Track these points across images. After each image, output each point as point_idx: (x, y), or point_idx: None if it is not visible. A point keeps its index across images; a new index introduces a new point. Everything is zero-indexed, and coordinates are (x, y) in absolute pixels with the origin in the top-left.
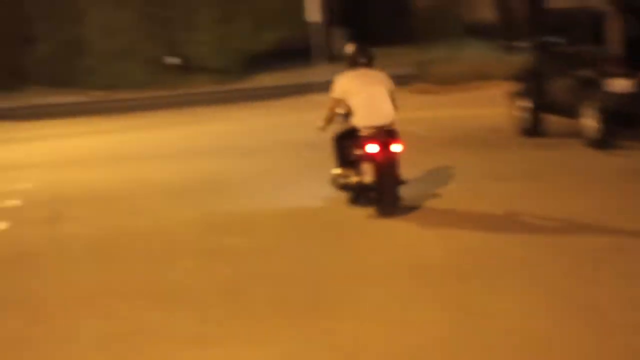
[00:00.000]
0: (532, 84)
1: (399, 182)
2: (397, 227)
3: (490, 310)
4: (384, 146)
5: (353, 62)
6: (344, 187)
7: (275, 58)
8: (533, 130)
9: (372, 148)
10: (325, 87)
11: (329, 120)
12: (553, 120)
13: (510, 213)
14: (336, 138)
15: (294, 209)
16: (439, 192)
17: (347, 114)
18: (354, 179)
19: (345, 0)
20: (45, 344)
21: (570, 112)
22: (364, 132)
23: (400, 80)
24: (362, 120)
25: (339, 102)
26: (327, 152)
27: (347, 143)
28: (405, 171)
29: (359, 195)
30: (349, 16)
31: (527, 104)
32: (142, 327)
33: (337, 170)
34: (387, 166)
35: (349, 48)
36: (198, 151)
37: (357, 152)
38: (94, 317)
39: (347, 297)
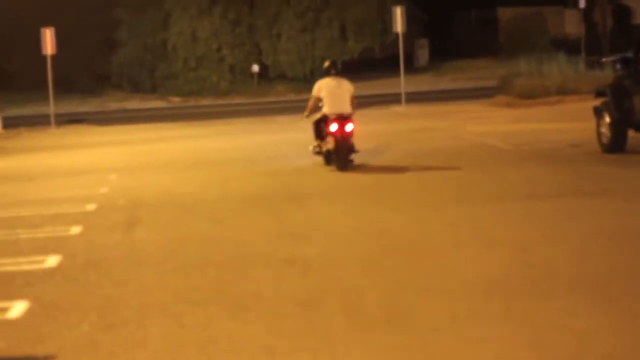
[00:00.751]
0: (616, 99)
1: (352, 150)
2: (347, 177)
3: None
4: (341, 126)
5: (327, 73)
6: (318, 153)
7: (358, 68)
8: (615, 146)
9: (333, 127)
10: (407, 98)
11: (311, 110)
12: (636, 137)
13: (583, 229)
14: (314, 122)
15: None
16: (519, 205)
17: (321, 106)
18: (324, 148)
19: (430, 12)
20: (115, 349)
21: None
22: (330, 117)
23: (483, 93)
24: (329, 109)
25: (317, 98)
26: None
27: (321, 125)
28: (484, 184)
29: (328, 158)
30: (433, 28)
31: (610, 119)
32: (214, 336)
33: (314, 143)
34: (342, 139)
35: (326, 63)
36: (276, 159)
37: (326, 130)
38: (165, 324)
39: (416, 308)
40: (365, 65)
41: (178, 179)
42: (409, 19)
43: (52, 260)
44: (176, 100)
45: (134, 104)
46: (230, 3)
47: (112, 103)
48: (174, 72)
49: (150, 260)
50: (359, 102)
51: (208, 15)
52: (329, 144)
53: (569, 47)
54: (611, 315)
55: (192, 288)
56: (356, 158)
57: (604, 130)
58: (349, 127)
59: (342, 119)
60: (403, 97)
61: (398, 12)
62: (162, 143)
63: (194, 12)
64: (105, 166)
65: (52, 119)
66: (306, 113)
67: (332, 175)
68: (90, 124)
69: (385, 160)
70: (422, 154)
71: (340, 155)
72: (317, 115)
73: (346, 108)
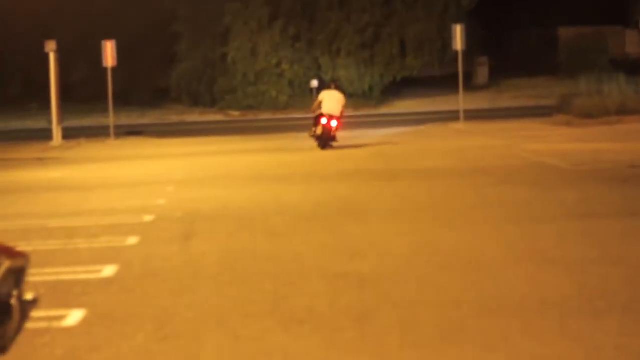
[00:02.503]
0: None
1: (333, 138)
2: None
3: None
4: (329, 121)
5: (328, 87)
6: (313, 136)
7: (416, 85)
8: None
9: (323, 120)
10: (465, 115)
11: (315, 109)
12: None
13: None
14: (315, 116)
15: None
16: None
17: (321, 107)
18: (317, 132)
19: (490, 30)
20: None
21: None
22: (324, 114)
23: (542, 112)
24: (324, 110)
25: (320, 102)
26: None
27: (318, 118)
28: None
29: (318, 140)
30: (493, 46)
31: None
32: (269, 349)
33: (312, 129)
34: (326, 129)
35: (328, 81)
36: (332, 174)
37: (319, 121)
38: (220, 336)
39: (471, 326)
40: (425, 82)
41: (235, 192)
42: (469, 36)
43: (109, 270)
44: (235, 114)
45: (193, 117)
46: (291, 18)
47: (172, 116)
48: (233, 86)
49: (207, 273)
50: (420, 118)
51: (268, 30)
52: (319, 130)
53: (629, 67)
54: None
55: (247, 301)
56: (410, 176)
57: None
58: (333, 123)
59: (330, 117)
60: (462, 115)
61: (458, 30)
62: (220, 156)
63: (254, 27)
64: (162, 178)
65: (112, 131)
66: (312, 109)
67: (386, 190)
68: (149, 136)
69: (442, 178)
70: (480, 171)
71: (322, 139)
72: (318, 112)
73: (335, 111)
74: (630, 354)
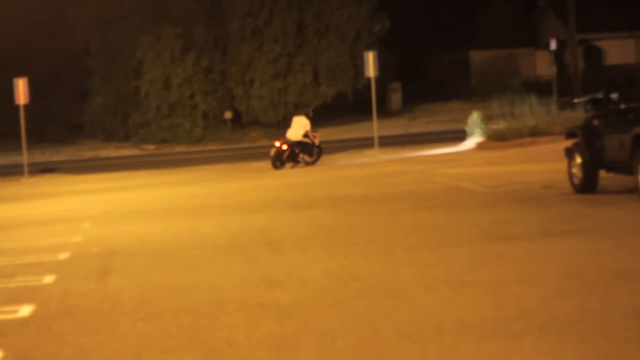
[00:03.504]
0: (587, 140)
1: (292, 159)
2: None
3: None
4: (281, 145)
5: (297, 113)
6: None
7: (330, 113)
8: (587, 186)
9: (277, 143)
10: (380, 142)
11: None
12: (608, 177)
13: (556, 269)
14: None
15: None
16: (491, 247)
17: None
18: (270, 154)
19: (402, 56)
20: None
21: (625, 168)
22: (282, 139)
23: (456, 136)
24: (287, 134)
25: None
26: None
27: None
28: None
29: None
30: (406, 72)
31: (582, 160)
32: None
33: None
34: (278, 152)
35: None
36: (248, 205)
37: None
38: None
39: (389, 351)
40: (339, 110)
41: (151, 226)
42: (381, 63)
43: (25, 310)
44: (150, 147)
45: (108, 152)
46: (203, 50)
47: (86, 152)
48: (147, 119)
49: (124, 308)
50: (334, 146)
51: (181, 63)
52: (272, 152)
53: (541, 88)
54: (582, 355)
55: (165, 335)
56: (325, 204)
57: (576, 171)
58: (284, 147)
59: (284, 142)
60: (376, 141)
61: (370, 57)
62: (135, 191)
63: (167, 59)
64: (78, 215)
65: (25, 169)
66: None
67: (302, 219)
68: (64, 173)
69: (358, 205)
70: (395, 197)
71: (273, 159)
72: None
73: (293, 136)
74: None
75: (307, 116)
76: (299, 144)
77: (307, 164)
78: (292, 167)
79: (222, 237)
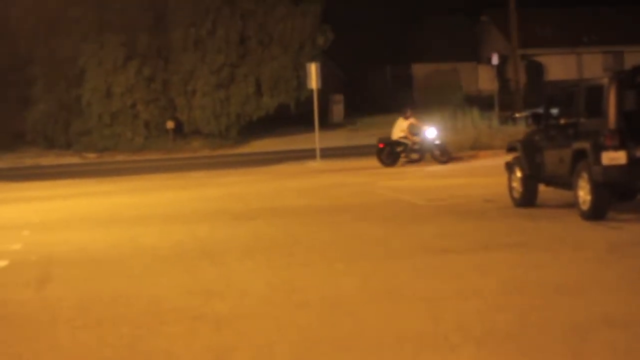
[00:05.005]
0: (527, 155)
1: (390, 159)
2: (264, 233)
3: None
4: (381, 145)
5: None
6: None
7: (273, 124)
8: (526, 200)
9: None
10: (321, 153)
11: None
12: (548, 191)
13: (495, 283)
14: None
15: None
16: (431, 260)
17: None
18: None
19: (345, 69)
20: None
21: (565, 183)
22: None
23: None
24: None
25: None
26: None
27: None
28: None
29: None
30: (349, 84)
31: (521, 174)
32: None
33: None
34: (379, 150)
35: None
36: (188, 215)
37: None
38: None
39: None
40: (281, 121)
41: (92, 235)
42: (324, 75)
43: None
44: (91, 156)
45: (49, 160)
46: (146, 59)
47: (27, 159)
48: (88, 128)
49: (63, 317)
50: (276, 157)
51: (123, 71)
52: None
53: (482, 102)
54: None
55: (104, 345)
56: (267, 215)
57: (516, 184)
58: (380, 146)
59: (382, 141)
60: (318, 153)
61: (313, 69)
62: (76, 199)
63: (109, 68)
64: (18, 222)
65: None
66: None
67: (243, 230)
68: (4, 181)
69: (299, 216)
70: (336, 209)
71: (379, 158)
72: None
73: (394, 136)
74: None
75: (405, 116)
76: (395, 143)
77: (412, 161)
78: (402, 165)
79: (162, 247)
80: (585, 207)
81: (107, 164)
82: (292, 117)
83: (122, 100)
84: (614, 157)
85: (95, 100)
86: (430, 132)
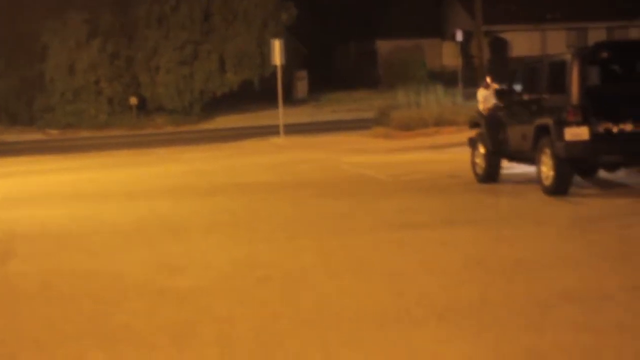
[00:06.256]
0: (490, 131)
1: None
2: (224, 207)
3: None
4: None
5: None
6: None
7: (237, 100)
8: (489, 176)
9: None
10: (285, 129)
11: None
12: (511, 167)
13: (457, 258)
14: None
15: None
16: (394, 235)
17: None
18: None
19: (309, 45)
20: None
21: (527, 159)
22: None
23: (362, 125)
24: None
25: None
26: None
27: None
28: (361, 215)
29: None
30: (313, 60)
31: (484, 150)
32: None
33: None
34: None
35: None
36: (151, 192)
37: None
38: (37, 357)
39: (289, 338)
40: (245, 98)
41: (54, 211)
42: (288, 51)
43: None
44: (54, 132)
45: (12, 136)
46: (109, 35)
47: None
48: (51, 104)
49: (25, 293)
50: (240, 133)
51: (86, 48)
52: None
53: (446, 79)
54: (481, 343)
55: (65, 320)
56: (230, 191)
57: (479, 160)
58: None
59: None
60: (282, 129)
61: (276, 45)
62: (39, 176)
63: (72, 45)
64: None
65: None
66: None
67: (206, 206)
68: None
69: (262, 192)
70: (300, 184)
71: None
72: None
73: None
74: None
75: (485, 87)
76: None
77: None
78: None
79: (125, 223)
80: (547, 182)
81: (70, 140)
82: (256, 94)
83: (85, 76)
84: (577, 133)
85: (58, 76)
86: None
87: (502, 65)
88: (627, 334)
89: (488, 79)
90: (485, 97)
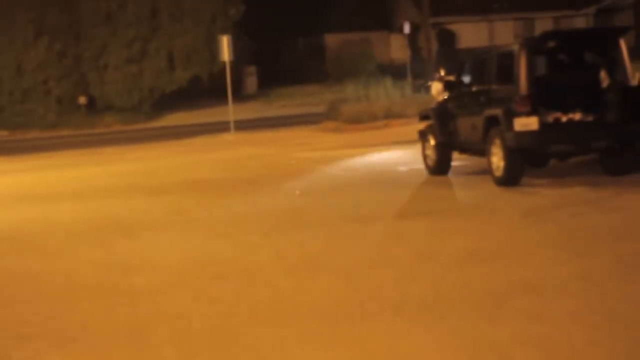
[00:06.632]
0: (440, 123)
1: None
2: (178, 205)
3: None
4: None
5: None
6: None
7: (186, 97)
8: (440, 168)
9: None
10: (235, 125)
11: None
12: (462, 158)
13: (411, 251)
14: None
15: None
16: (346, 229)
17: None
18: None
19: (257, 40)
20: None
21: (478, 150)
22: None
23: (312, 119)
24: None
25: None
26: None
27: None
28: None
29: None
30: (262, 56)
31: (435, 142)
32: None
33: None
34: None
35: None
36: (102, 191)
37: None
38: None
39: (244, 335)
40: (194, 94)
41: (3, 212)
42: (237, 47)
43: None
44: (3, 133)
45: None
46: (56, 34)
47: None
48: (0, 105)
49: None
50: (189, 130)
51: (33, 47)
52: None
53: (395, 71)
54: (436, 335)
55: (19, 322)
56: (181, 189)
57: (429, 152)
58: None
59: None
60: (232, 125)
61: (224, 41)
62: None
63: (19, 45)
64: None
65: None
66: None
67: (158, 204)
68: None
69: (212, 189)
70: (251, 181)
71: None
72: None
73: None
74: (400, 354)
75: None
76: None
77: None
78: None
79: (76, 223)
80: (498, 173)
81: (19, 141)
82: (205, 90)
83: (34, 76)
84: (526, 123)
85: (6, 77)
86: None
87: (450, 57)
88: (580, 324)
89: (442, 72)
90: (439, 91)
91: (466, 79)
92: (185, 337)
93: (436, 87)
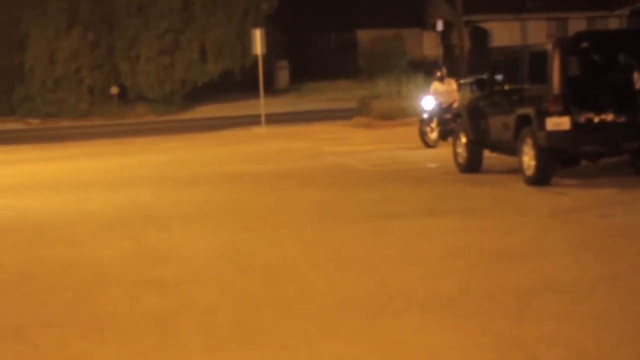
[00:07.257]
0: (472, 121)
1: None
2: (207, 197)
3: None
4: None
5: None
6: None
7: (218, 90)
8: (471, 166)
9: None
10: (267, 119)
11: None
12: (493, 157)
13: (439, 248)
14: None
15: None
16: (375, 224)
17: None
18: None
19: (290, 35)
20: None
21: (509, 149)
22: None
23: (343, 115)
24: None
25: None
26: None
27: None
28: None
29: None
30: (294, 50)
31: (466, 140)
32: (68, 356)
33: None
34: None
35: None
36: (132, 181)
37: None
38: (20, 347)
39: (271, 327)
40: (226, 87)
41: (34, 201)
42: (269, 40)
43: None
44: (35, 122)
45: None
46: (89, 24)
47: None
48: (31, 93)
49: (5, 283)
50: (221, 123)
51: (66, 37)
52: None
53: (427, 69)
54: (462, 333)
55: (47, 310)
56: (211, 181)
57: (460, 150)
58: None
59: None
60: (263, 119)
61: (257, 35)
62: (19, 165)
63: (52, 34)
64: None
65: None
66: None
67: (188, 196)
68: None
69: (244, 182)
70: (281, 174)
71: None
72: None
73: None
74: (428, 350)
75: (439, 80)
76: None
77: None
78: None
79: (106, 213)
80: (529, 172)
81: (51, 129)
82: (237, 83)
83: (66, 66)
84: (558, 123)
85: (38, 66)
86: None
87: (482, 55)
88: (607, 325)
89: (444, 71)
90: (439, 92)
91: (498, 77)
92: (211, 328)
93: (435, 86)
